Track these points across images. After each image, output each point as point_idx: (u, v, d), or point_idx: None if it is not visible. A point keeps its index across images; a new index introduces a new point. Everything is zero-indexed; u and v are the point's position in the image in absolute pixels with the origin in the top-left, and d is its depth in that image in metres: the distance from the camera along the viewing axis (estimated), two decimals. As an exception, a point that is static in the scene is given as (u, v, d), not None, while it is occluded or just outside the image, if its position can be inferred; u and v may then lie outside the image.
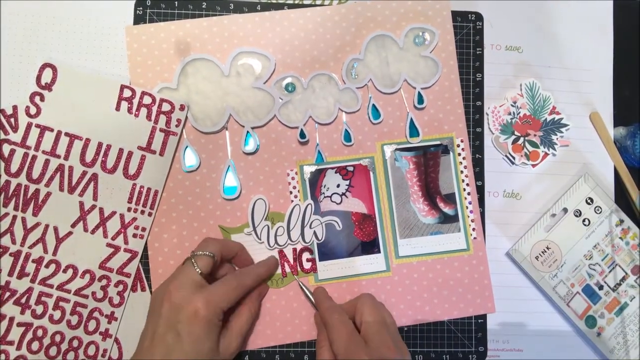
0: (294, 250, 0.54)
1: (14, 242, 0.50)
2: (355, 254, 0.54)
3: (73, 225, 0.51)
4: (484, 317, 0.55)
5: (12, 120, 0.52)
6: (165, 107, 0.52)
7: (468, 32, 0.57)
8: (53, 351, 0.50)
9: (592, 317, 0.55)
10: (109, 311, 0.51)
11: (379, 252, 0.54)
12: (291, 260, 0.53)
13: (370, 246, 0.54)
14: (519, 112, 0.57)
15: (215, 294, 0.45)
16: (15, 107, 0.52)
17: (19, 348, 0.50)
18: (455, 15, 0.57)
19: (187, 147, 0.53)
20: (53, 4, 0.55)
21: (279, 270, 0.53)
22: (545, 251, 0.55)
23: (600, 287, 0.55)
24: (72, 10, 0.55)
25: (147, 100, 0.52)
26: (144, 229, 0.52)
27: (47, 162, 0.51)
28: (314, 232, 0.54)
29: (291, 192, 0.54)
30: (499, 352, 0.55)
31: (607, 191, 0.56)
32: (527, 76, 0.58)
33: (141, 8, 0.55)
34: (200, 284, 0.45)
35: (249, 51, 0.54)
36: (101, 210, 0.51)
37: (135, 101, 0.52)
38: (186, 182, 0.53)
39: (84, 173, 0.51)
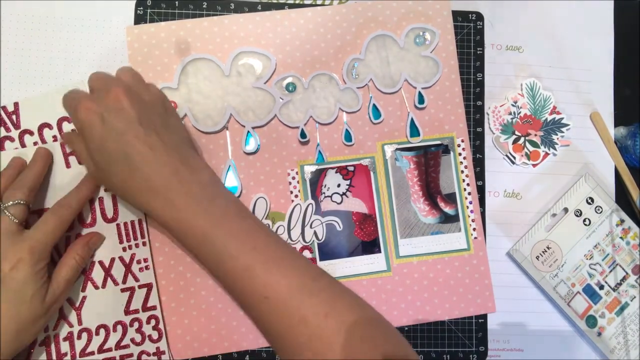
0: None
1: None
2: (356, 254, 0.54)
3: (83, 290, 0.50)
4: (484, 317, 0.55)
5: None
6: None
7: (469, 32, 0.57)
8: None
9: (592, 317, 0.55)
10: (154, 348, 0.50)
11: (379, 251, 0.54)
12: (292, 260, 0.53)
13: (370, 246, 0.54)
14: (520, 112, 0.57)
15: (38, 239, 0.44)
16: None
17: None
18: (456, 15, 0.57)
19: (187, 146, 0.53)
20: (53, 3, 0.55)
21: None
22: (546, 251, 0.55)
23: (601, 287, 0.55)
24: (72, 10, 0.55)
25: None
26: (146, 260, 0.51)
27: None
28: (315, 232, 0.53)
29: (292, 192, 0.54)
30: (499, 352, 0.55)
31: (607, 191, 0.56)
32: (528, 76, 0.58)
33: (142, 8, 0.55)
34: (17, 231, 0.44)
35: (249, 51, 0.54)
36: (101, 263, 0.51)
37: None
38: (187, 181, 0.53)
39: (68, 237, 0.51)
